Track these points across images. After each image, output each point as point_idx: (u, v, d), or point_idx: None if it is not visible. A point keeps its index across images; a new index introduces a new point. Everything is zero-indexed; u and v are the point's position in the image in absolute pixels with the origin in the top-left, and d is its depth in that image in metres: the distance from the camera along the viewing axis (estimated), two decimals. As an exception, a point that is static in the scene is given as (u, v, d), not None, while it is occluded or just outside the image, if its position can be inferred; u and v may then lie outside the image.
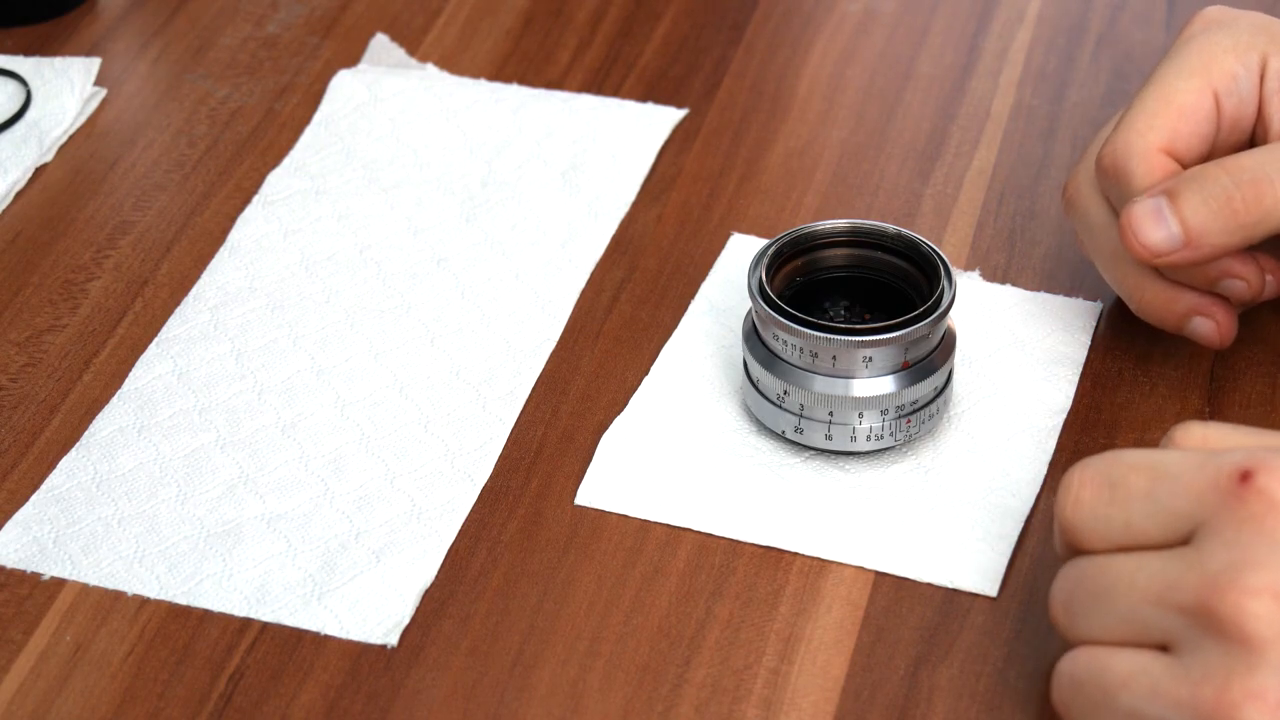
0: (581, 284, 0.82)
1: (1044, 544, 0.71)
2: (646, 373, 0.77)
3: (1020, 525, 0.71)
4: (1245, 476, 0.59)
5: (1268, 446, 0.60)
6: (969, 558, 0.70)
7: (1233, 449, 0.60)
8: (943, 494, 0.72)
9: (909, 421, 0.72)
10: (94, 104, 0.92)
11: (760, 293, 0.72)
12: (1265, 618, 0.57)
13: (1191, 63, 0.74)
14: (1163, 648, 0.59)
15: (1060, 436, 0.75)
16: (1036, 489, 0.72)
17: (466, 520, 0.72)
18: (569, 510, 0.73)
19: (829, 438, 0.72)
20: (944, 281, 0.72)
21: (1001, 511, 0.71)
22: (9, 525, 0.73)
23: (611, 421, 0.75)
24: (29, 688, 0.67)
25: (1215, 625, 0.57)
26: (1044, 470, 0.73)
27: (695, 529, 0.71)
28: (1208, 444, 0.63)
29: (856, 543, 0.70)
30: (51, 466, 0.75)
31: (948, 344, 0.73)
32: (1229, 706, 0.57)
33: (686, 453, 0.74)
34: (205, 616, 0.69)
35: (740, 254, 0.82)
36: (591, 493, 0.73)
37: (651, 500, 0.72)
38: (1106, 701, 0.60)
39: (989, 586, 0.69)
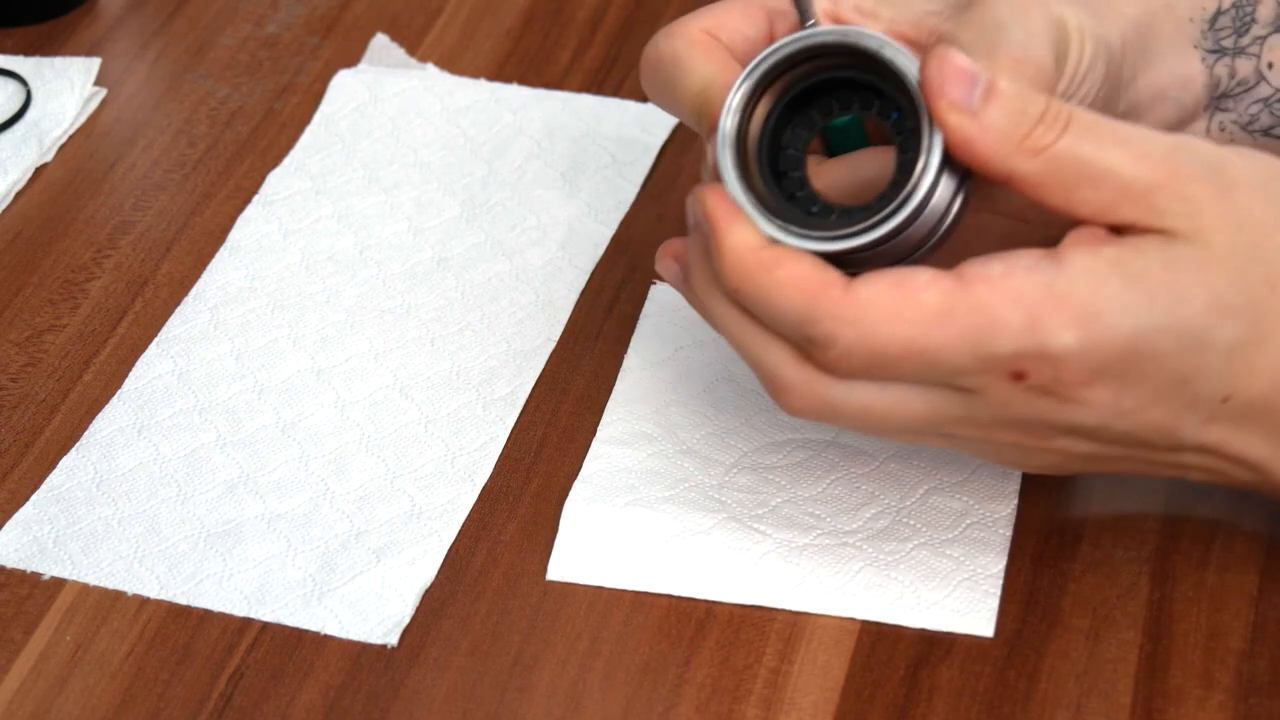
0: (581, 284, 0.82)
1: (1038, 550, 0.70)
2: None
3: (1004, 560, 0.69)
4: (1018, 376, 0.61)
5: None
6: (957, 602, 0.68)
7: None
8: (917, 535, 0.70)
9: None
10: (94, 104, 0.92)
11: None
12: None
13: None
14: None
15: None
16: (1011, 517, 0.71)
17: (466, 520, 0.72)
18: (569, 510, 0.73)
19: None
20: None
21: (981, 546, 0.69)
22: (9, 525, 0.73)
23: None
24: (29, 688, 0.67)
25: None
26: (1014, 499, 0.71)
27: (673, 594, 0.69)
28: None
29: (843, 594, 0.68)
30: (51, 466, 0.75)
31: None
32: None
33: (653, 515, 0.71)
34: (205, 616, 0.69)
35: (664, 305, 0.80)
36: (562, 568, 0.70)
37: (626, 569, 0.70)
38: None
39: (984, 627, 0.67)
